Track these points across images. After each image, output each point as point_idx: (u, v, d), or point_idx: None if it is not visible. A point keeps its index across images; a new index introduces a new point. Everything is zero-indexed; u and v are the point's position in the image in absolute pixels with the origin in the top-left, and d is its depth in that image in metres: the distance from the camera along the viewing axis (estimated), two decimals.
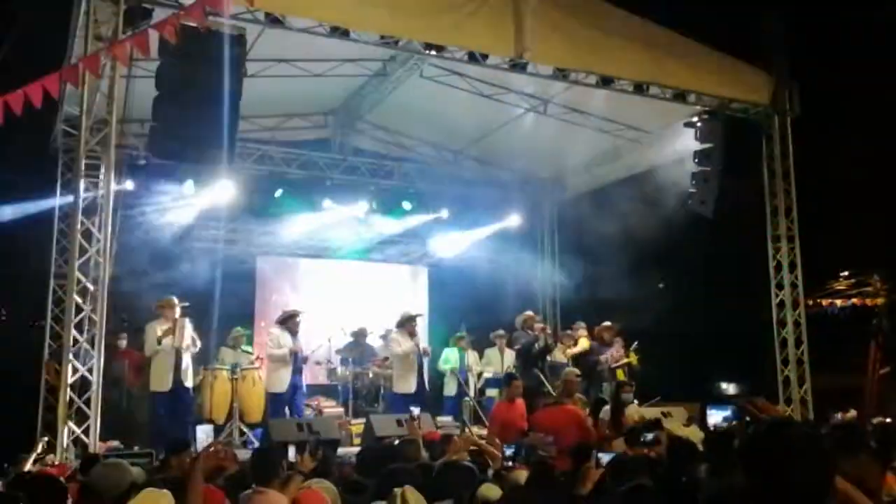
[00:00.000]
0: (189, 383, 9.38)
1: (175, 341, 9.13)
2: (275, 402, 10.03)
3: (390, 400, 10.73)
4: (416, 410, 8.05)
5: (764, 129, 11.02)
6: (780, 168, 11.01)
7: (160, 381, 9.16)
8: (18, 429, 9.15)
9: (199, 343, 9.65)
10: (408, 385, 10.34)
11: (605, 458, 4.76)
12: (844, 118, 11.88)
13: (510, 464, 6.10)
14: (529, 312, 11.57)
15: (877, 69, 12.09)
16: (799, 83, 10.97)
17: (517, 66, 9.37)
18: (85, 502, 3.69)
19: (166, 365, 9.16)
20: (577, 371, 8.97)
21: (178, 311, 9.31)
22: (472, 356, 11.80)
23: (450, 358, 11.71)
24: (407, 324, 10.56)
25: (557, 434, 7.24)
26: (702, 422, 8.33)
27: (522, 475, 4.56)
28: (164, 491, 2.37)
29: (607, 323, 11.68)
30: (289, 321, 10.31)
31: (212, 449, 3.94)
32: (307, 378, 10.86)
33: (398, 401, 10.30)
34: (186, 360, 9.31)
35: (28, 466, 6.37)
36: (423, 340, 11.02)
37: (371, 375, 11.08)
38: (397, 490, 3.15)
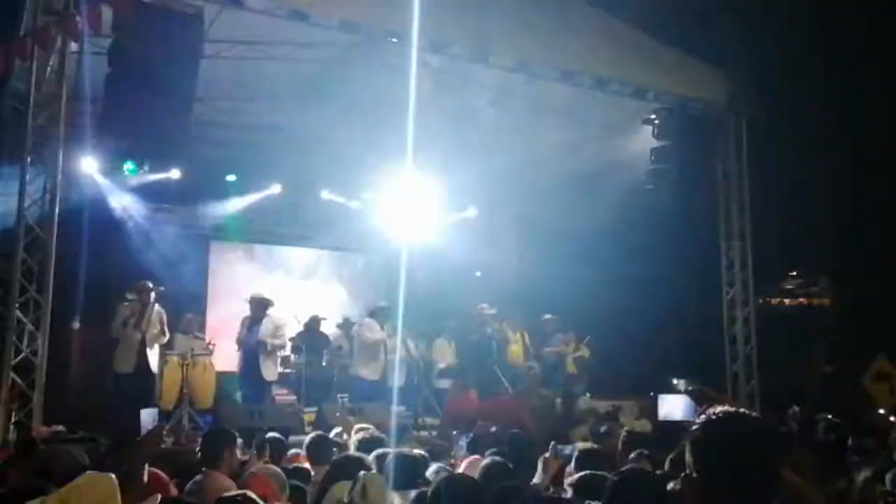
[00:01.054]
0: (154, 368, 9.48)
1: (140, 324, 9.25)
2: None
3: (353, 384, 10.76)
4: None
5: (719, 129, 11.18)
6: (735, 167, 11.18)
7: (123, 362, 9.27)
8: None
9: (167, 332, 9.71)
10: (371, 372, 10.62)
11: (566, 449, 4.80)
12: (798, 119, 12.07)
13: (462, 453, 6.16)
14: (484, 305, 11.61)
15: (831, 71, 12.32)
16: (755, 82, 11.14)
17: (479, 57, 9.34)
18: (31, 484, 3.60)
19: (131, 347, 9.28)
20: (535, 366, 9.10)
21: (151, 295, 9.41)
22: (414, 346, 11.71)
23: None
24: (379, 313, 11.07)
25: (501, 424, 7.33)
26: (653, 412, 8.46)
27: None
28: (108, 474, 2.30)
29: (547, 316, 11.80)
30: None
31: (154, 433, 3.86)
32: None
33: (361, 384, 10.68)
34: (152, 345, 9.41)
35: None
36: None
37: (324, 364, 11.02)
38: (362, 474, 3.12)
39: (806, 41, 11.82)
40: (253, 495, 2.93)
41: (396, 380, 11.32)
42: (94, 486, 2.23)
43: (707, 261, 11.64)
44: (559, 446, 4.85)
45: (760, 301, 12.26)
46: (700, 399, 2.42)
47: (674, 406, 9.09)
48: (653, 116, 10.70)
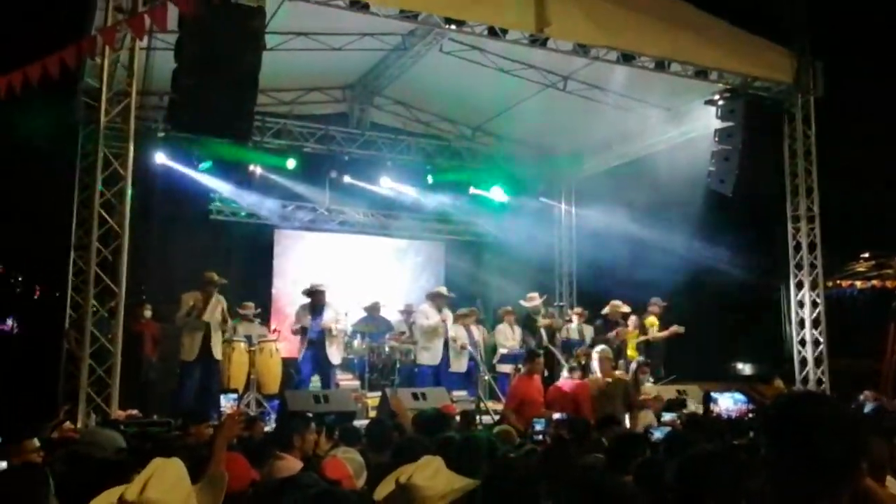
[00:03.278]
0: (218, 355, 9.70)
1: (204, 315, 9.47)
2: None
3: (408, 373, 10.94)
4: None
5: (786, 109, 10.90)
6: (802, 148, 10.90)
7: (188, 350, 9.52)
8: (40, 398, 9.28)
9: (229, 320, 9.94)
10: (432, 357, 10.79)
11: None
12: (867, 98, 11.69)
13: (540, 438, 6.22)
14: (533, 294, 11.70)
15: None
16: (822, 62, 10.84)
17: (537, 41, 9.30)
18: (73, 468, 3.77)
19: (195, 335, 9.51)
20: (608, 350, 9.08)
21: (215, 286, 9.64)
22: (476, 332, 11.77)
23: (458, 335, 11.75)
24: (437, 298, 11.11)
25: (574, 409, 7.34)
26: (705, 411, 8.27)
27: None
28: (175, 458, 2.40)
29: (616, 302, 11.69)
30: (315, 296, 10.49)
31: (235, 417, 3.98)
32: None
33: (423, 371, 10.82)
34: (216, 334, 9.62)
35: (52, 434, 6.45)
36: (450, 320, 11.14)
37: (387, 349, 11.15)
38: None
39: (875, 18, 11.43)
40: (315, 476, 2.97)
41: (457, 365, 11.47)
42: (166, 470, 2.32)
43: (772, 243, 11.39)
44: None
45: (830, 283, 11.94)
46: (752, 396, 2.38)
47: (727, 403, 8.89)
48: (716, 97, 10.49)
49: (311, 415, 4.73)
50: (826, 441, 1.73)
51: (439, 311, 11.01)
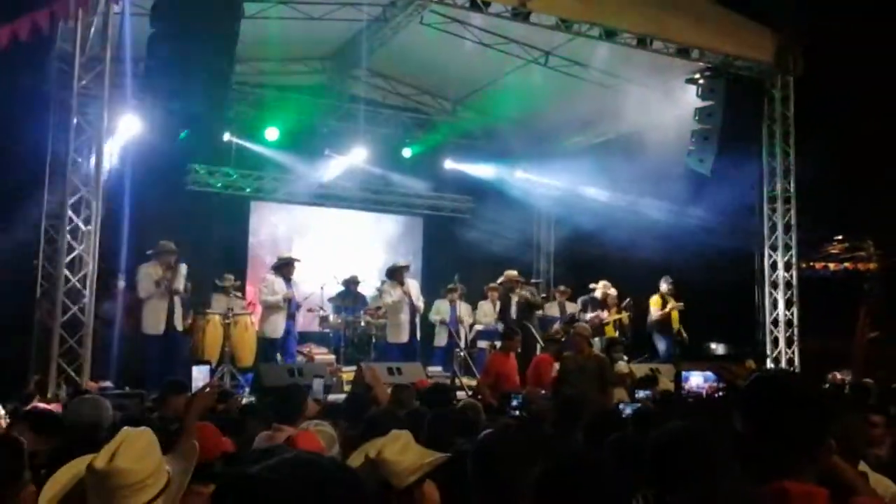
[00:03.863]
0: (179, 327, 9.46)
1: (172, 284, 9.19)
2: (268, 347, 10.20)
3: (383, 349, 10.87)
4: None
5: (766, 89, 10.93)
6: (781, 128, 10.95)
7: (154, 324, 9.18)
8: (12, 368, 9.16)
9: (189, 289, 9.69)
10: (399, 335, 10.60)
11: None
12: (847, 78, 11.72)
13: (516, 413, 6.25)
14: (513, 272, 11.63)
15: (883, 29, 11.91)
16: (804, 42, 10.84)
17: (519, 15, 9.23)
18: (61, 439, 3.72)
19: (160, 308, 9.20)
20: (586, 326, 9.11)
21: (175, 256, 9.34)
22: (463, 308, 11.85)
23: (440, 309, 11.77)
24: (395, 274, 10.89)
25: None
26: (676, 388, 8.35)
27: None
28: (144, 428, 2.37)
29: (606, 283, 11.72)
30: (283, 268, 10.43)
31: (207, 389, 3.94)
32: (299, 325, 10.96)
33: (392, 350, 10.60)
34: (177, 305, 9.37)
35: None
36: (415, 290, 11.04)
37: (363, 324, 11.12)
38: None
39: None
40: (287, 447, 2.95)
41: (437, 340, 11.46)
42: (135, 440, 2.28)
43: (749, 223, 11.46)
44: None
45: (804, 265, 12.06)
46: (722, 375, 2.44)
47: (697, 382, 8.98)
48: (696, 76, 10.49)
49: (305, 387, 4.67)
50: (793, 417, 1.82)
51: (401, 284, 10.86)
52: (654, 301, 11.44)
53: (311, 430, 3.61)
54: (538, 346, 9.87)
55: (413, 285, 11.04)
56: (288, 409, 4.27)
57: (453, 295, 11.73)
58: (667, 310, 11.30)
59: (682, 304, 11.32)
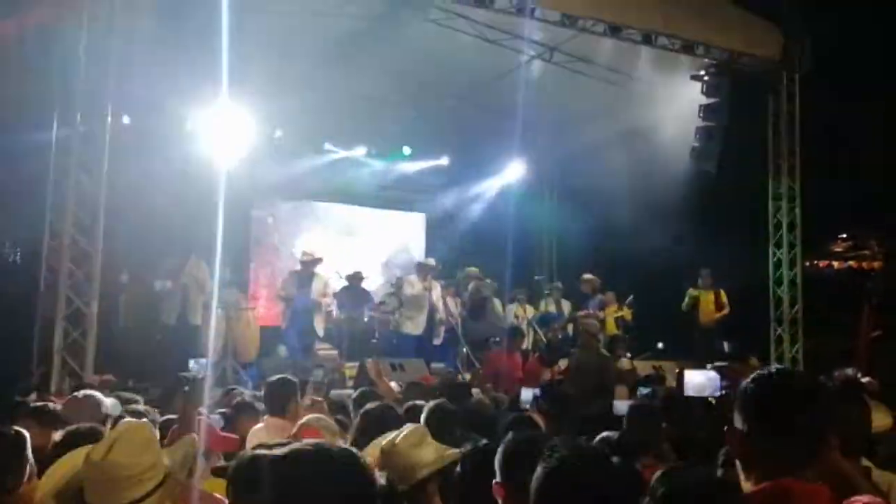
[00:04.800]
0: (197, 321, 9.74)
1: (179, 279, 9.46)
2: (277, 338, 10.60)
3: (395, 340, 10.97)
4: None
5: (772, 86, 10.88)
6: (786, 126, 10.90)
7: (167, 314, 9.56)
8: (16, 360, 9.16)
9: (208, 286, 9.79)
10: (414, 326, 10.82)
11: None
12: (853, 77, 11.69)
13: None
14: (473, 269, 11.65)
15: (888, 28, 11.87)
16: (810, 39, 10.79)
17: (524, 10, 9.19)
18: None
19: (173, 299, 9.54)
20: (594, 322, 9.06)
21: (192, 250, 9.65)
22: (452, 304, 11.76)
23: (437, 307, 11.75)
24: (422, 269, 11.20)
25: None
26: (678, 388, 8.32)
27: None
28: (143, 421, 2.37)
29: (587, 276, 11.70)
30: (304, 266, 10.50)
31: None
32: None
33: (405, 341, 10.79)
34: (194, 298, 9.61)
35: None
36: (437, 291, 11.11)
37: (366, 320, 11.12)
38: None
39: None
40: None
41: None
42: (133, 434, 2.29)
43: (753, 221, 11.42)
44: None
45: (808, 263, 12.04)
46: (728, 375, 2.42)
47: (700, 381, 8.94)
48: (701, 73, 10.44)
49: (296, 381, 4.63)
50: (794, 415, 1.82)
51: (424, 280, 11.00)
52: (708, 300, 11.24)
53: (314, 425, 3.61)
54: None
55: (436, 286, 11.14)
56: (278, 402, 4.27)
57: (444, 291, 11.62)
58: (725, 311, 11.14)
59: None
